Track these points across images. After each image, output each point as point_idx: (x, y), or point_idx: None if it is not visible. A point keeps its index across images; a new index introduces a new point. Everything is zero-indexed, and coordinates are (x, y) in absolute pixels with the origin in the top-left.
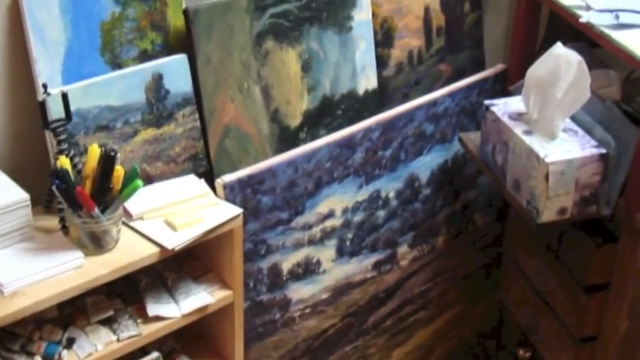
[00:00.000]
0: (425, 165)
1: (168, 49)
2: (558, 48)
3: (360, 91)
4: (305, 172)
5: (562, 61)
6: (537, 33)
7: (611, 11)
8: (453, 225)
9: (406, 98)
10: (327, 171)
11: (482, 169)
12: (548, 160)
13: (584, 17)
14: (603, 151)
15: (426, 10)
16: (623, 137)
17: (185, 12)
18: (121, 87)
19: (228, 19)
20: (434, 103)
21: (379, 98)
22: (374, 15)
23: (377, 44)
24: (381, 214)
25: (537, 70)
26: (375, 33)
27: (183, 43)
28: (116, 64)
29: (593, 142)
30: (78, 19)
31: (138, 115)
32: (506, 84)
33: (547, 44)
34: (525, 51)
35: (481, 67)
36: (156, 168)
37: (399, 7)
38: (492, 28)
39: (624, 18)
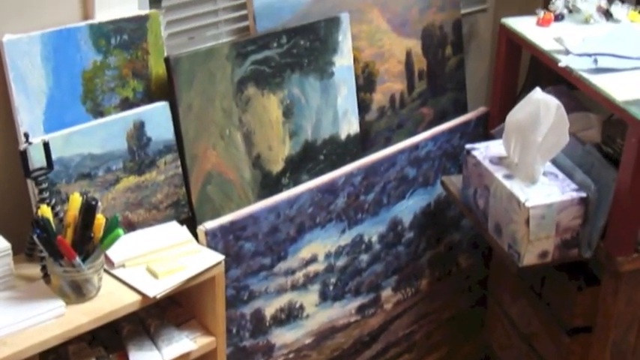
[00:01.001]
0: (408, 208)
1: (149, 97)
2: (537, 93)
3: (342, 136)
4: (287, 217)
5: (541, 105)
6: (518, 76)
7: (590, 55)
8: (437, 267)
9: (389, 142)
10: (310, 216)
11: (464, 213)
12: (528, 204)
13: (564, 62)
14: (583, 194)
15: (408, 54)
16: (603, 180)
17: (166, 60)
18: (102, 135)
19: (210, 66)
20: (416, 146)
21: (361, 142)
22: (355, 60)
23: (359, 89)
24: (365, 258)
25: (517, 114)
26: (357, 77)
27: (164, 90)
28: (98, 112)
29: (574, 186)
30: (59, 67)
31: (120, 163)
32: (488, 127)
33: (528, 87)
34: (507, 94)
35: (463, 110)
36: (138, 215)
37: (381, 52)
38: (474, 70)
39: (603, 62)
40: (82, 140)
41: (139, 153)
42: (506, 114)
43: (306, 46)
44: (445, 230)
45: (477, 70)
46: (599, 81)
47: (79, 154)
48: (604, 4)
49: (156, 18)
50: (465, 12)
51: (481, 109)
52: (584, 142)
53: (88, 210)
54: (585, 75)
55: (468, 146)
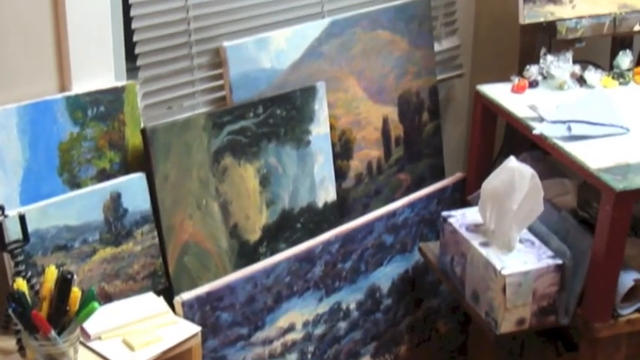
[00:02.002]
0: (385, 275)
1: (126, 168)
2: (512, 162)
3: (320, 204)
4: (264, 287)
5: (516, 174)
6: (494, 141)
7: (563, 122)
8: (416, 333)
9: (366, 208)
10: (287, 285)
11: (441, 279)
12: (505, 272)
13: (538, 129)
14: (559, 261)
15: (385, 120)
16: (579, 247)
17: (143, 131)
18: (79, 207)
19: (186, 137)
20: (393, 214)
21: (339, 210)
22: (332, 128)
23: (336, 156)
24: (343, 325)
25: (492, 182)
26: (334, 145)
27: (141, 161)
28: (74, 184)
29: (550, 253)
30: (36, 140)
31: (96, 234)
32: (464, 192)
33: (505, 152)
34: (483, 159)
35: (441, 175)
36: (114, 286)
37: (358, 119)
38: (451, 135)
39: (576, 129)
40: (58, 212)
41: (116, 224)
42: (482, 179)
43: (283, 116)
44: (424, 296)
45: (454, 135)
46: (573, 148)
47: (56, 226)
48: (578, 70)
49: (132, 89)
50: (441, 78)
51: (458, 175)
52: (560, 208)
53: (64, 284)
54: (559, 142)
55: (444, 214)
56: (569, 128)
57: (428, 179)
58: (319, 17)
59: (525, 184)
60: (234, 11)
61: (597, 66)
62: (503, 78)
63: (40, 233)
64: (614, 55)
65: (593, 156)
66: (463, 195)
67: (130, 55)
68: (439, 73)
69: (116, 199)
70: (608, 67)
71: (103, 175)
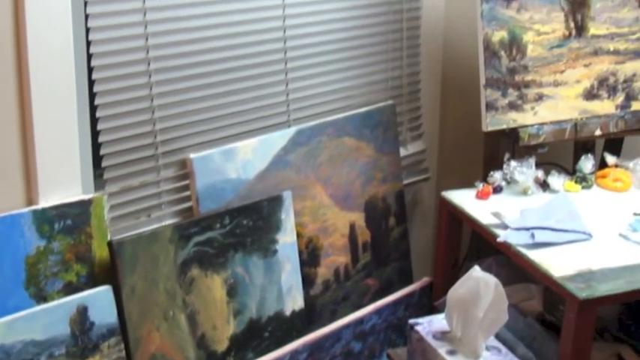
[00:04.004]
0: None
1: (93, 280)
2: (476, 271)
3: (287, 312)
4: None
5: (481, 283)
6: (460, 246)
7: (527, 229)
8: None
9: (334, 315)
10: None
11: None
12: None
13: (502, 237)
14: None
15: (352, 227)
16: (545, 353)
17: (109, 244)
18: (45, 321)
19: (153, 249)
20: (360, 321)
21: (307, 317)
22: (299, 235)
23: (303, 264)
24: None
25: (458, 290)
26: (301, 253)
27: (108, 273)
28: (41, 298)
29: None
30: (2, 254)
31: (62, 348)
32: (432, 297)
33: (472, 256)
34: (449, 264)
35: (409, 279)
36: None
37: (325, 226)
38: (419, 238)
39: (540, 236)
40: (24, 327)
41: (82, 338)
42: (450, 284)
43: (249, 226)
44: None
45: (422, 238)
46: (537, 256)
47: (22, 340)
48: (541, 175)
49: (100, 202)
50: (407, 182)
51: (425, 280)
52: (526, 313)
53: None
54: (523, 250)
55: (411, 321)
56: (532, 235)
57: (396, 283)
58: (285, 126)
59: (490, 293)
60: (200, 123)
61: (561, 167)
62: (469, 181)
63: (5, 348)
64: (576, 158)
65: (556, 263)
66: (431, 299)
67: (99, 166)
68: (405, 178)
69: (83, 312)
70: (572, 167)
71: (69, 288)
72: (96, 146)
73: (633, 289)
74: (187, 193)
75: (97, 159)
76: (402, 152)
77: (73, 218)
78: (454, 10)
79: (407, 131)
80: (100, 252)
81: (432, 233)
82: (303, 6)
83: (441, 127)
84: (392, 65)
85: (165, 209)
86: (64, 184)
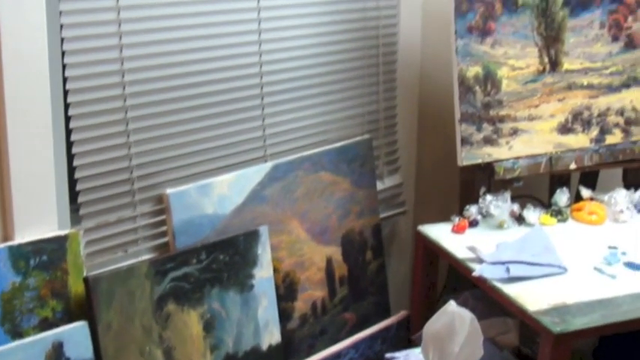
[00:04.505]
0: None
1: (69, 316)
2: (451, 306)
3: (264, 347)
4: None
5: (456, 317)
6: (437, 279)
7: (502, 263)
8: None
9: (312, 349)
10: None
11: None
12: None
13: (477, 271)
14: None
15: (328, 261)
16: None
17: (85, 280)
18: (20, 357)
19: (129, 285)
20: (338, 355)
21: (284, 351)
22: (276, 270)
23: (280, 298)
24: None
25: (434, 325)
26: (278, 287)
27: (84, 309)
28: (16, 333)
29: None
30: None
31: None
32: (409, 330)
33: (448, 289)
34: (426, 298)
35: (386, 312)
36: None
37: (301, 261)
38: (396, 271)
39: (515, 270)
40: None
41: None
42: (427, 317)
43: (226, 261)
44: None
45: (399, 271)
46: (512, 290)
47: None
48: (516, 209)
49: (75, 238)
50: (384, 216)
51: (402, 313)
52: (503, 346)
53: None
54: (498, 285)
55: (388, 355)
56: (507, 270)
57: (373, 317)
58: (262, 161)
59: (465, 328)
60: (176, 158)
61: (537, 200)
62: (447, 214)
63: None
64: (552, 191)
65: (531, 298)
66: (408, 333)
67: (75, 202)
68: (382, 211)
69: (58, 348)
70: (548, 200)
71: (45, 324)
72: (72, 182)
73: (608, 322)
74: (164, 228)
75: (73, 194)
76: (379, 186)
77: (49, 254)
78: (430, 45)
79: (384, 165)
80: (76, 288)
81: (410, 266)
82: (279, 42)
83: (418, 161)
84: (368, 99)
85: (141, 245)
86: (40, 219)
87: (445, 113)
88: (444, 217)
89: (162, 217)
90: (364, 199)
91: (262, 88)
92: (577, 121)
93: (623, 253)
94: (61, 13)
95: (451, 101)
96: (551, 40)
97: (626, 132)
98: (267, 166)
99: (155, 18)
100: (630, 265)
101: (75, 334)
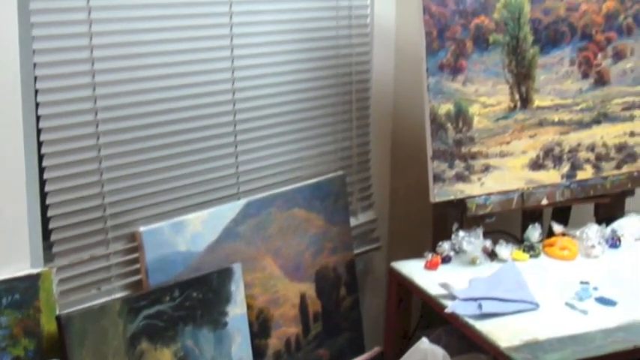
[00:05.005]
0: None
1: (41, 355)
2: (424, 343)
3: None
4: None
5: (428, 355)
6: (410, 315)
7: (475, 300)
8: None
9: None
10: None
11: None
12: None
13: (450, 307)
14: None
15: (302, 297)
16: None
17: (58, 318)
18: None
19: (102, 323)
20: None
21: None
22: (249, 307)
23: (254, 335)
24: None
25: None
26: (251, 325)
27: (57, 348)
28: None
29: None
30: None
31: None
32: None
33: (422, 325)
34: (400, 334)
35: (360, 348)
36: None
37: (275, 298)
38: (371, 307)
39: (487, 307)
40: None
41: None
42: (400, 354)
43: (199, 298)
44: None
45: (374, 307)
46: (484, 327)
47: None
48: (489, 245)
49: (48, 276)
50: (358, 252)
51: (376, 350)
52: None
53: None
54: (470, 321)
55: None
56: (479, 306)
57: (347, 353)
58: (235, 198)
59: None
60: (149, 196)
61: (510, 235)
62: (421, 249)
63: None
64: (525, 225)
65: (503, 334)
66: None
67: (48, 239)
68: (356, 247)
69: None
70: (520, 234)
71: None
72: (45, 219)
73: (579, 358)
74: (137, 266)
75: (46, 232)
76: (353, 222)
77: (21, 292)
78: (403, 81)
79: (357, 201)
80: (49, 326)
81: (384, 302)
82: (252, 79)
83: (392, 197)
84: (342, 136)
85: (114, 282)
86: (12, 258)
87: (418, 150)
88: (418, 253)
89: (136, 254)
90: (338, 235)
91: (235, 126)
92: (548, 157)
93: (595, 289)
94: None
95: (424, 138)
96: (521, 78)
97: (596, 167)
98: (241, 203)
99: (128, 69)
100: (602, 301)
101: None
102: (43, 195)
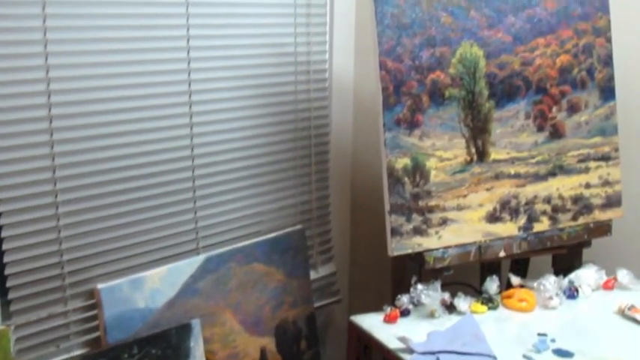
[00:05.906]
0: None
1: None
2: None
3: None
4: None
5: None
6: None
7: (432, 354)
8: None
9: None
10: None
11: None
12: None
13: None
14: None
15: (262, 351)
16: None
17: None
18: None
19: None
20: None
21: None
22: None
23: None
24: None
25: None
26: None
27: None
28: None
29: None
30: None
31: None
32: None
33: None
34: None
35: None
36: None
37: (235, 352)
38: (332, 358)
39: None
40: None
41: None
42: None
43: (158, 355)
44: None
45: (335, 359)
46: None
47: None
48: (447, 297)
49: (6, 334)
50: (318, 305)
51: None
52: None
53: None
54: None
55: None
56: None
57: None
58: (194, 254)
59: None
60: (107, 253)
61: (469, 286)
62: (381, 302)
63: None
64: (483, 276)
65: None
66: None
67: (6, 297)
68: (316, 300)
69: None
70: (479, 286)
71: None
72: (3, 277)
73: None
74: (95, 323)
75: (3, 289)
76: (313, 275)
77: None
78: (361, 135)
79: (317, 254)
80: None
81: (346, 355)
82: (211, 135)
83: (352, 250)
84: (301, 190)
85: (73, 340)
86: None
87: (377, 203)
88: (378, 305)
89: (94, 311)
90: (298, 288)
91: (194, 181)
92: (505, 209)
93: (552, 340)
94: None
95: (382, 191)
96: (478, 131)
97: (553, 219)
98: (200, 258)
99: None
100: (559, 352)
101: None
102: (1, 253)
